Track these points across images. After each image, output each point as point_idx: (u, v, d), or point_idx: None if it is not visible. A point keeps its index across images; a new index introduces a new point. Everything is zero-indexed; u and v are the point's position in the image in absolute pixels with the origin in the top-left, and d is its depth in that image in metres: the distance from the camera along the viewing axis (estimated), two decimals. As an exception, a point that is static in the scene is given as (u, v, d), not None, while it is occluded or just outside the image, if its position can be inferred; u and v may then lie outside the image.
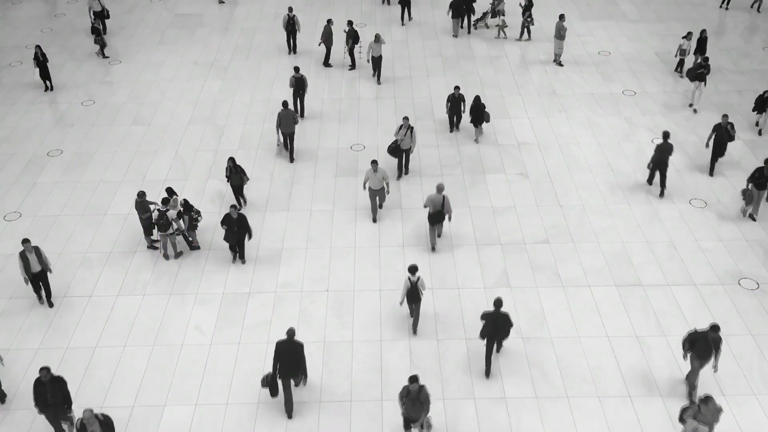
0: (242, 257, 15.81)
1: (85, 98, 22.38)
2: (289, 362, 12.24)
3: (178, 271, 15.72)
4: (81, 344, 13.97)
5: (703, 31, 22.69)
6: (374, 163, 16.13)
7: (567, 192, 18.00)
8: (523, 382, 13.09)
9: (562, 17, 23.05)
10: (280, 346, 12.19)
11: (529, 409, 12.61)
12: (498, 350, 13.69)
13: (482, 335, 12.83)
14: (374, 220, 16.94)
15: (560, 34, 23.24)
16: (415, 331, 14.09)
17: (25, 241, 14.14)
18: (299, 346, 12.27)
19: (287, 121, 18.77)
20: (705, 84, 20.76)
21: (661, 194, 17.68)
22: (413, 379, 11.16)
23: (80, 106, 21.96)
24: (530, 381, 13.12)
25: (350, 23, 23.40)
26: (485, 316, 12.80)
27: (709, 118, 20.87)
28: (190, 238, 16.11)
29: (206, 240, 16.55)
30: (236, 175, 16.86)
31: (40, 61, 22.04)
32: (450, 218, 15.78)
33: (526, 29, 25.58)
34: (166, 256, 15.95)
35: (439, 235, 16.39)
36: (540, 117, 21.12)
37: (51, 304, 14.84)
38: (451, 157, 19.32)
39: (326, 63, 24.05)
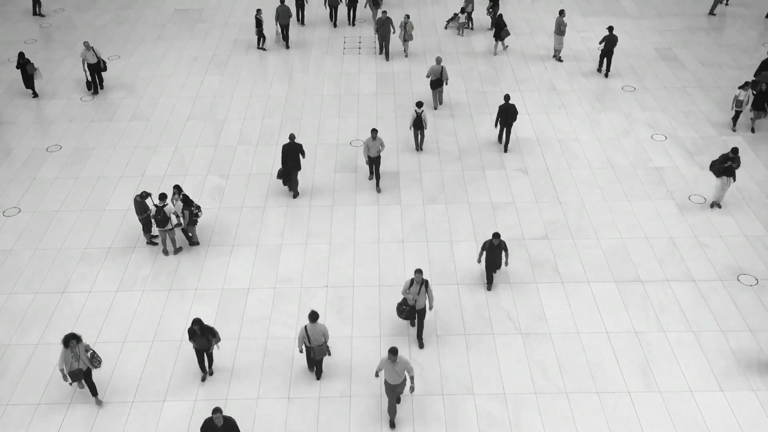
0: None
1: (84, 93, 22.33)
2: (291, 159, 16.85)
3: (178, 266, 15.72)
4: (80, 340, 13.97)
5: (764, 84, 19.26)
6: (393, 353, 11.54)
7: (566, 188, 17.99)
8: (522, 378, 13.10)
9: (562, 13, 23.01)
10: (284, 147, 16.78)
11: (529, 405, 12.62)
12: (508, 138, 18.98)
13: (496, 124, 19.00)
14: (392, 425, 12.27)
15: (560, 29, 23.20)
16: (420, 148, 19.15)
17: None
18: (298, 146, 16.83)
19: (283, 14, 24.12)
20: (734, 179, 16.67)
21: (606, 75, 22.76)
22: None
23: (79, 101, 21.92)
24: (529, 377, 13.13)
25: None
26: (499, 108, 18.59)
27: (711, 114, 20.87)
28: (190, 234, 16.10)
29: (205, 236, 16.54)
30: (202, 338, 12.67)
31: (23, 70, 21.49)
32: (447, 83, 20.63)
33: (492, 20, 25.81)
34: (166, 252, 15.94)
35: (440, 102, 21.11)
36: (539, 113, 21.10)
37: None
38: (450, 152, 19.32)
39: (334, 23, 26.52)
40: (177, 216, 15.54)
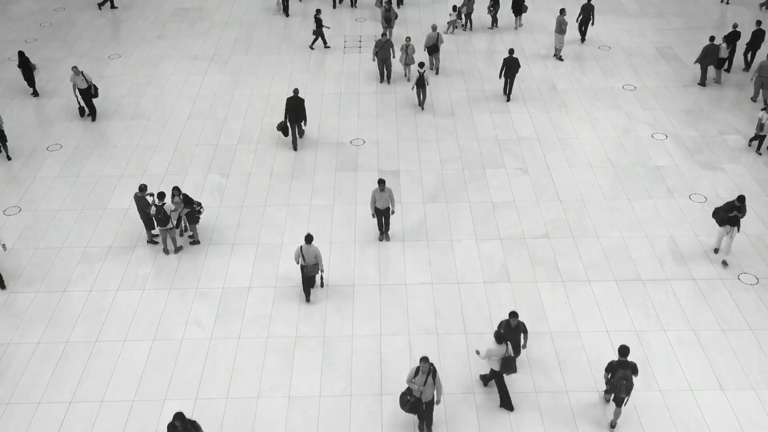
0: None
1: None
2: (294, 112, 18.56)
3: (178, 265, 15.73)
4: (81, 338, 13.99)
5: None
6: None
7: (567, 187, 17.99)
8: (522, 377, 13.11)
9: (563, 12, 22.98)
10: (288, 100, 18.41)
11: (529, 404, 12.63)
12: (511, 89, 21.27)
13: (500, 75, 21.29)
14: None
15: (561, 28, 23.19)
16: (422, 107, 21.00)
17: None
18: (301, 100, 18.48)
19: None
20: (738, 230, 15.38)
21: (582, 40, 24.75)
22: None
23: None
24: (530, 375, 13.14)
25: None
26: (503, 61, 20.88)
27: (712, 113, 20.86)
28: (191, 233, 16.11)
29: (206, 235, 16.55)
30: None
31: (25, 68, 21.42)
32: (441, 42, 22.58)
33: (493, 19, 26.08)
34: (166, 251, 15.95)
35: (437, 73, 23.03)
36: (540, 112, 21.10)
37: None
38: (450, 151, 19.32)
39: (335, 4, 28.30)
40: (175, 212, 15.56)
